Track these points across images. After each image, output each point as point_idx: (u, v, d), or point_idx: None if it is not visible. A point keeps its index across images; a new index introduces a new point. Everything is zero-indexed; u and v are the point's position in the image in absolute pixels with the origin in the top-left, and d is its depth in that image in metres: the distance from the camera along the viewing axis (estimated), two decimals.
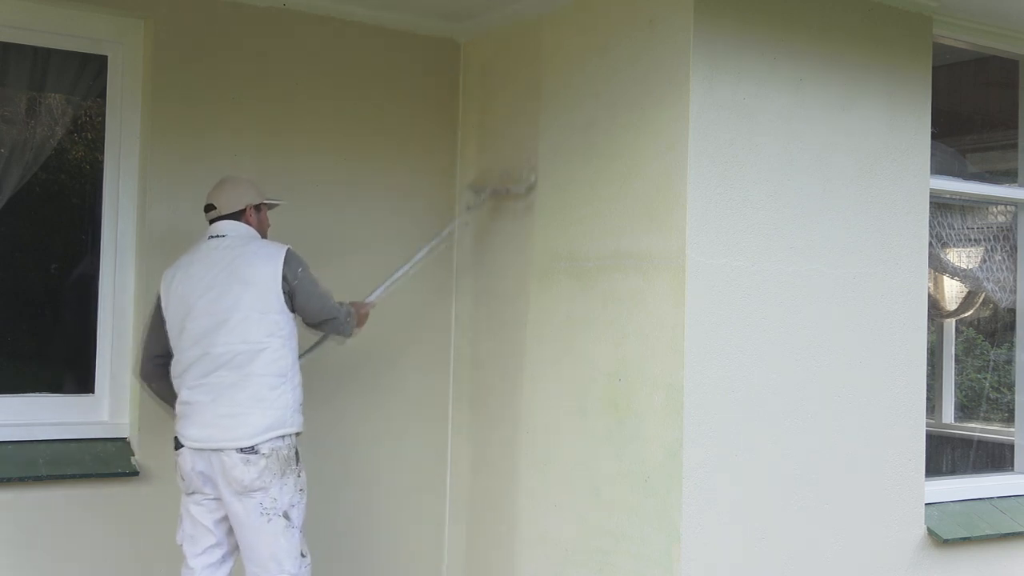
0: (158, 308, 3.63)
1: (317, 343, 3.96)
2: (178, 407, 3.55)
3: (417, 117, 4.61)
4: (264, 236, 3.74)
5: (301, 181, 4.35)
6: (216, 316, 3.45)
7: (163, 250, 4.07)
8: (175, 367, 3.57)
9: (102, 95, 4.17)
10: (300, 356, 3.66)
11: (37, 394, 4.09)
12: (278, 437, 3.45)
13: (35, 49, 4.10)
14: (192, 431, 3.47)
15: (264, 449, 3.41)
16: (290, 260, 3.54)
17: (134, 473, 3.98)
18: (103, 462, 3.98)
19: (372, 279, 4.29)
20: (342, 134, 4.45)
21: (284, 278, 3.51)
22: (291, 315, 3.56)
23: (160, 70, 4.09)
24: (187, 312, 3.50)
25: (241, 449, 3.39)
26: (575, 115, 4.03)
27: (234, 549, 3.60)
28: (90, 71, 4.18)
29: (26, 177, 4.09)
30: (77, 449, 4.00)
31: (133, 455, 4.05)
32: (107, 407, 4.14)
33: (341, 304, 3.75)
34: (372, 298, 4.04)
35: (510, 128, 4.40)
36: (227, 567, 3.60)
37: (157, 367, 3.68)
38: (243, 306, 3.45)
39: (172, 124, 4.10)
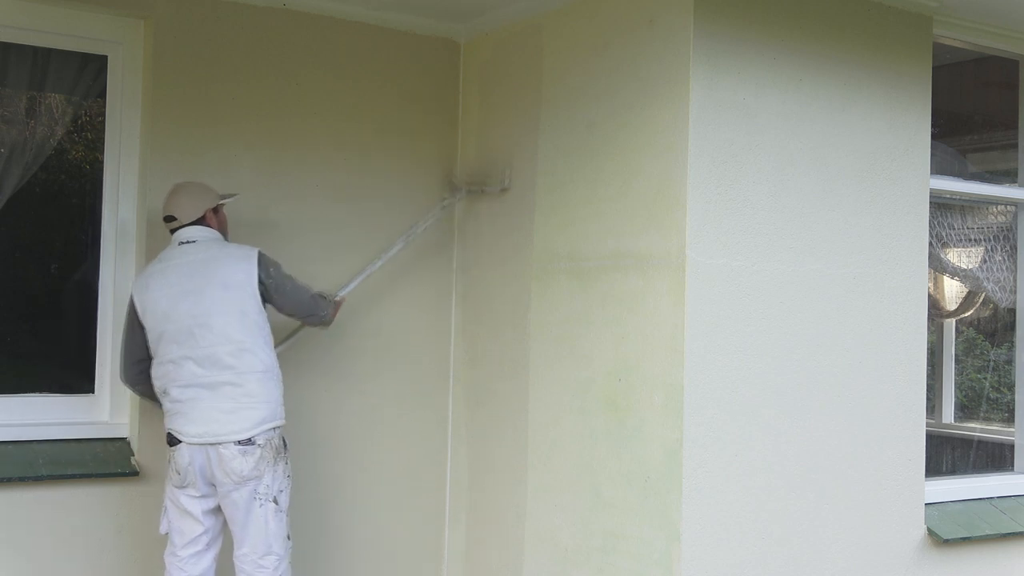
0: (133, 314, 3.70)
1: (293, 333, 4.11)
2: (169, 405, 3.62)
3: (417, 117, 4.61)
4: (226, 234, 3.86)
5: (301, 180, 4.35)
6: (198, 319, 3.57)
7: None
8: (157, 369, 3.66)
9: (102, 95, 4.17)
10: (277, 345, 3.83)
11: (37, 394, 4.09)
12: (271, 429, 3.60)
13: (35, 49, 4.09)
14: (190, 427, 3.56)
15: (260, 440, 3.56)
16: (263, 262, 3.70)
17: (134, 473, 3.98)
18: (103, 462, 3.98)
19: (370, 277, 4.30)
20: (342, 134, 4.45)
21: (260, 280, 3.66)
22: (265, 314, 3.70)
23: (160, 70, 4.09)
24: (166, 317, 3.60)
25: (239, 441, 3.52)
26: (575, 115, 4.03)
27: (218, 536, 3.73)
28: (90, 71, 4.18)
29: (26, 177, 4.08)
30: (77, 449, 3.99)
31: (133, 455, 4.05)
32: (107, 407, 4.14)
33: (321, 296, 3.95)
34: (344, 292, 4.17)
35: (510, 128, 4.40)
36: (212, 553, 3.71)
37: (140, 372, 3.76)
38: (223, 309, 3.58)
39: (172, 124, 4.10)
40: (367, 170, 4.49)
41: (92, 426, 4.09)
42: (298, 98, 4.35)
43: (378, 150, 4.52)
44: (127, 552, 4.03)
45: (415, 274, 4.63)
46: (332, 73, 4.43)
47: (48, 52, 4.11)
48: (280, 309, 3.82)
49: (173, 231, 3.74)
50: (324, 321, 3.99)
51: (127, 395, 4.14)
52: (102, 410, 4.13)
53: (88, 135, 4.28)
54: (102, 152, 4.16)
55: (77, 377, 4.15)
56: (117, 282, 4.15)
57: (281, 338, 4.00)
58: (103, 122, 4.17)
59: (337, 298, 4.08)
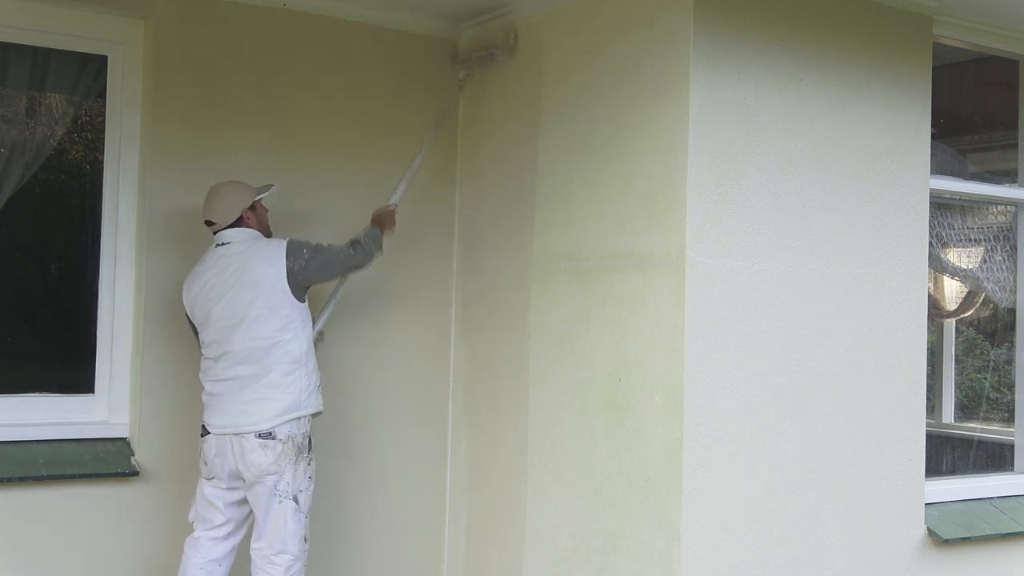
0: (185, 313, 3.87)
1: (339, 286, 4.13)
2: (205, 398, 3.81)
3: (417, 117, 4.60)
4: (266, 228, 3.95)
5: (300, 180, 4.35)
6: (232, 318, 3.70)
7: (163, 250, 4.08)
8: (201, 364, 3.82)
9: (102, 95, 4.17)
10: (323, 308, 4.03)
11: (37, 394, 4.09)
12: (294, 420, 3.70)
13: (35, 49, 4.09)
14: (217, 419, 3.73)
15: (280, 434, 3.67)
16: (292, 252, 3.78)
17: (134, 473, 3.98)
18: (103, 462, 3.98)
19: (371, 277, 4.30)
20: (342, 134, 4.45)
21: (290, 272, 3.74)
22: (302, 305, 3.81)
23: (160, 70, 4.09)
24: (207, 317, 3.76)
25: (259, 434, 3.64)
26: (575, 115, 4.03)
27: (240, 527, 3.83)
28: (90, 71, 4.18)
29: (26, 177, 4.08)
30: (77, 449, 4.00)
31: (133, 455, 4.05)
32: (107, 407, 4.14)
33: (355, 242, 4.00)
34: (395, 200, 4.24)
35: (510, 128, 4.40)
36: (231, 543, 3.82)
37: None
38: (255, 307, 3.71)
39: (172, 124, 4.10)
40: (367, 169, 4.49)
41: (92, 426, 4.10)
42: (298, 98, 4.35)
43: (377, 150, 4.52)
44: (127, 552, 4.03)
45: (415, 275, 4.63)
46: (331, 73, 4.43)
47: (48, 52, 4.12)
48: (324, 281, 3.95)
49: (214, 233, 3.85)
50: (369, 261, 4.05)
51: (127, 395, 4.15)
52: (102, 410, 4.13)
53: (88, 135, 4.28)
54: (102, 152, 4.16)
55: (77, 377, 4.15)
56: (117, 282, 4.15)
57: (324, 301, 4.10)
58: (103, 122, 4.17)
59: (390, 206, 4.17)
